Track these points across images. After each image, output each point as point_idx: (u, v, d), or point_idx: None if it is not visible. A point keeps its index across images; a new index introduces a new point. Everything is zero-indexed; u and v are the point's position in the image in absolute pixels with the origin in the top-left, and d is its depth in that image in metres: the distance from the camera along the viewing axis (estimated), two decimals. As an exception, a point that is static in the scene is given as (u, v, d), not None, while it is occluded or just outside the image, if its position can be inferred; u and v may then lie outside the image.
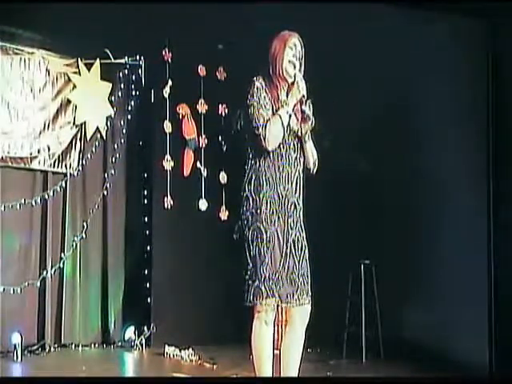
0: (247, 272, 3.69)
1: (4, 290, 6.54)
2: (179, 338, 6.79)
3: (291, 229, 3.71)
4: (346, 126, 6.61)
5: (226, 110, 7.55)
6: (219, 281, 7.26)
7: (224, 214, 7.43)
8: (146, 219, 7.37)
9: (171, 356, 6.52)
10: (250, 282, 3.67)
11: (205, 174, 7.46)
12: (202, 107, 7.48)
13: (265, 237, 3.65)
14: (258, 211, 3.67)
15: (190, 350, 6.49)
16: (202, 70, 7.44)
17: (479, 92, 5.84)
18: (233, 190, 7.34)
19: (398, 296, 6.43)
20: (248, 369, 5.81)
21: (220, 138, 7.54)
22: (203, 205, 7.40)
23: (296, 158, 3.76)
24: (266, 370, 3.70)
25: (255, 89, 3.72)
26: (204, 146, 7.50)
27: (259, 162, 3.71)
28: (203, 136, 7.49)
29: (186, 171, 7.39)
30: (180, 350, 6.52)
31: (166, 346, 6.61)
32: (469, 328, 5.77)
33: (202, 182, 7.43)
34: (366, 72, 6.44)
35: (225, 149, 7.53)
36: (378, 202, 6.55)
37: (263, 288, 3.62)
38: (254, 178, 3.72)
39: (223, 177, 7.50)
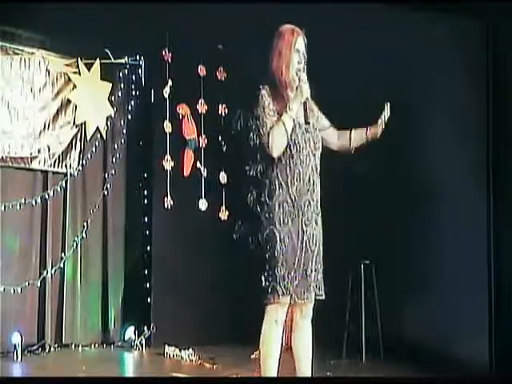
0: (263, 274, 3.76)
1: (4, 289, 6.54)
2: (179, 338, 6.79)
3: (306, 226, 3.76)
4: (345, 125, 6.60)
5: (226, 110, 7.56)
6: (219, 281, 7.27)
7: (224, 214, 7.44)
8: (146, 219, 7.37)
9: (171, 356, 6.52)
10: (266, 283, 3.74)
11: (205, 174, 7.46)
12: (202, 107, 7.48)
13: (278, 238, 3.70)
14: (271, 215, 3.74)
15: (190, 350, 6.49)
16: (201, 70, 7.45)
17: (479, 92, 5.84)
18: (233, 190, 7.35)
19: (397, 296, 6.43)
20: (248, 369, 5.83)
21: (220, 138, 7.54)
22: (203, 205, 7.40)
23: (308, 154, 3.79)
24: (271, 370, 3.74)
25: (260, 97, 3.76)
26: (204, 146, 7.50)
27: (271, 167, 3.77)
28: (203, 136, 7.49)
29: (186, 171, 7.39)
30: (180, 350, 6.53)
31: (166, 346, 6.61)
32: (469, 328, 5.77)
33: (201, 182, 7.43)
34: (366, 72, 6.44)
35: (225, 149, 7.53)
36: (378, 201, 6.54)
37: (278, 288, 3.69)
38: (266, 183, 3.78)
39: (223, 177, 7.50)
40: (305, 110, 3.76)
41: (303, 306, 3.83)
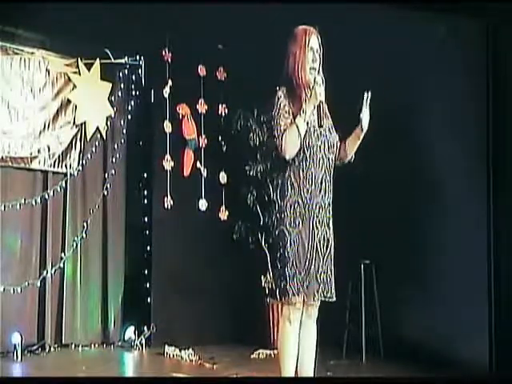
0: (274, 273, 3.87)
1: (4, 289, 6.54)
2: (179, 338, 6.80)
3: (316, 228, 3.79)
4: (344, 126, 6.60)
5: (226, 110, 7.56)
6: (219, 281, 7.27)
7: (224, 214, 7.43)
8: (146, 219, 7.37)
9: (171, 356, 6.52)
10: (278, 282, 3.80)
11: (205, 174, 7.46)
12: (202, 107, 7.48)
13: (289, 239, 3.75)
14: (283, 215, 3.78)
15: (190, 349, 6.49)
16: (201, 70, 7.45)
17: (479, 92, 5.83)
18: (232, 190, 7.35)
19: (397, 296, 6.42)
20: (248, 369, 5.84)
21: (220, 138, 7.54)
22: (203, 205, 7.40)
23: (321, 157, 3.82)
24: (288, 369, 3.78)
25: (276, 98, 3.80)
26: (204, 146, 7.50)
27: (284, 167, 3.81)
28: (203, 136, 7.49)
29: (186, 171, 7.39)
30: (180, 350, 6.53)
31: (166, 346, 6.61)
32: (469, 328, 5.77)
33: (201, 182, 7.43)
34: (366, 72, 6.43)
35: (225, 149, 7.53)
36: (378, 201, 6.54)
37: (288, 287, 3.74)
38: (279, 183, 3.82)
39: (223, 177, 7.50)
40: (318, 113, 3.79)
41: (309, 307, 3.86)
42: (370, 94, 3.96)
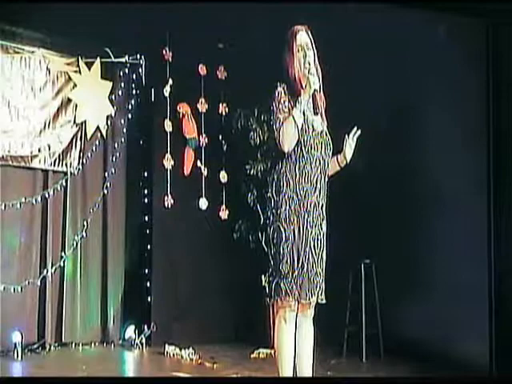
0: (268, 269, 3.86)
1: (4, 288, 6.54)
2: (179, 337, 6.80)
3: (310, 227, 3.80)
4: (344, 125, 6.60)
5: (227, 109, 7.55)
6: (219, 280, 7.27)
7: (224, 213, 7.43)
8: (146, 218, 7.37)
9: (171, 355, 6.52)
10: (270, 278, 3.83)
11: (205, 173, 7.46)
12: (203, 106, 7.48)
13: (283, 235, 3.77)
14: (278, 211, 3.79)
15: (191, 349, 6.49)
16: (202, 69, 7.45)
17: (479, 92, 5.83)
18: (233, 189, 7.35)
19: (398, 295, 6.43)
20: (248, 368, 5.84)
21: (220, 137, 7.55)
22: (203, 204, 7.40)
23: (318, 157, 3.84)
24: (286, 369, 3.81)
25: (276, 93, 3.83)
26: (204, 145, 7.50)
27: (281, 163, 3.83)
28: (203, 135, 7.49)
29: (187, 170, 7.39)
30: (180, 349, 6.53)
31: (166, 345, 6.61)
32: (469, 328, 5.77)
33: (202, 181, 7.43)
34: (366, 72, 6.44)
35: (225, 148, 7.53)
36: (378, 201, 6.54)
37: (282, 285, 3.75)
38: (275, 179, 3.84)
39: (223, 176, 7.49)
40: (314, 101, 3.84)
41: (304, 306, 3.85)
42: (358, 131, 4.07)
